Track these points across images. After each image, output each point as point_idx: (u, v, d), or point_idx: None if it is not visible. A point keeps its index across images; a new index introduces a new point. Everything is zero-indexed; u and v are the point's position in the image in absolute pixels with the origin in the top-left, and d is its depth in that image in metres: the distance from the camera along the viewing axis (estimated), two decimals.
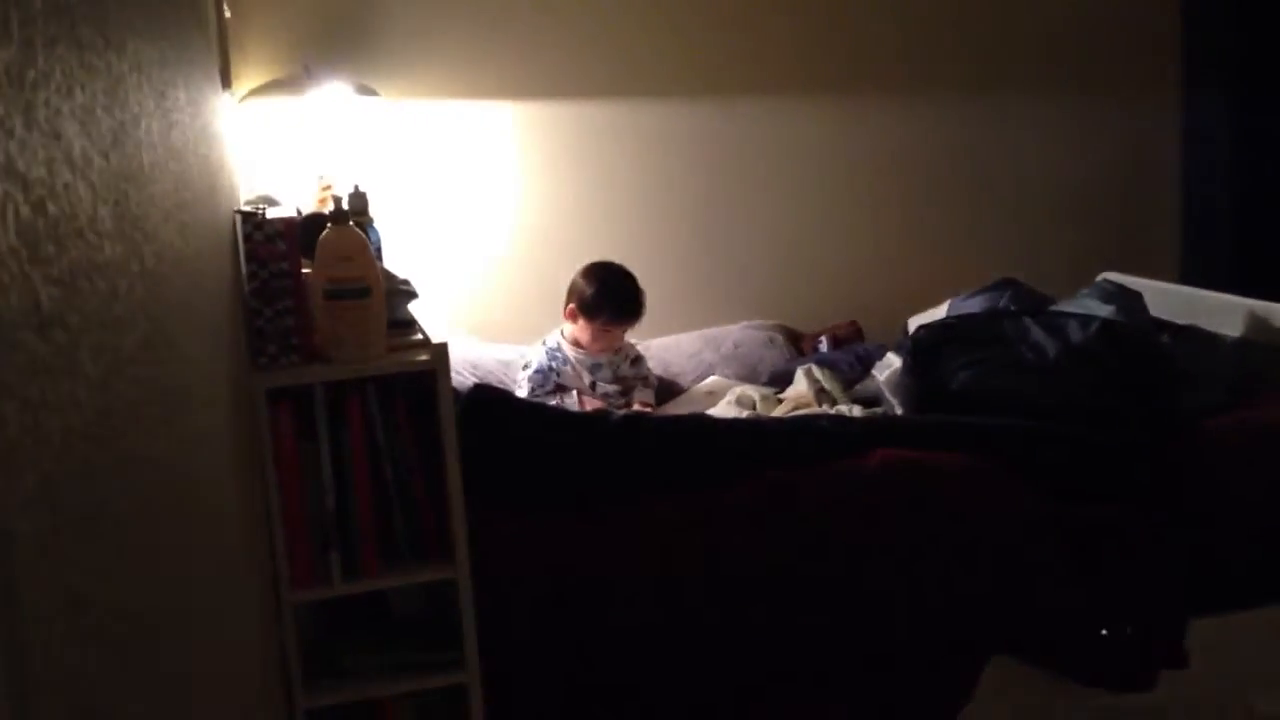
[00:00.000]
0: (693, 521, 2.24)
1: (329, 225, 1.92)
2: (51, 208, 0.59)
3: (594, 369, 2.95)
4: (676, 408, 2.93)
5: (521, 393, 2.88)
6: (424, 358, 1.93)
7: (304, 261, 1.97)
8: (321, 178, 2.81)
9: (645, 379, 3.05)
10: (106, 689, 0.65)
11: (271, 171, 2.93)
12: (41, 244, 0.57)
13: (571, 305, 2.92)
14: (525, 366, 2.95)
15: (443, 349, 1.92)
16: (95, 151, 0.71)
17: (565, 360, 2.93)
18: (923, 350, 2.56)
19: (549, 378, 2.91)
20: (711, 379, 3.11)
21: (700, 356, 3.23)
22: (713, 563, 2.25)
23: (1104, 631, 2.26)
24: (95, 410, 0.68)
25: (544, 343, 2.98)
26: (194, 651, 0.98)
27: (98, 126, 0.73)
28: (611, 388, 2.96)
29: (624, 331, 2.96)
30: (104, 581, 0.67)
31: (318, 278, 1.91)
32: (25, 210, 0.54)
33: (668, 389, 3.11)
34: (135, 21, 0.98)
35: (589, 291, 2.88)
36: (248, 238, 1.86)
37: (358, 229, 1.96)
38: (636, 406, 2.89)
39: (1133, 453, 2.33)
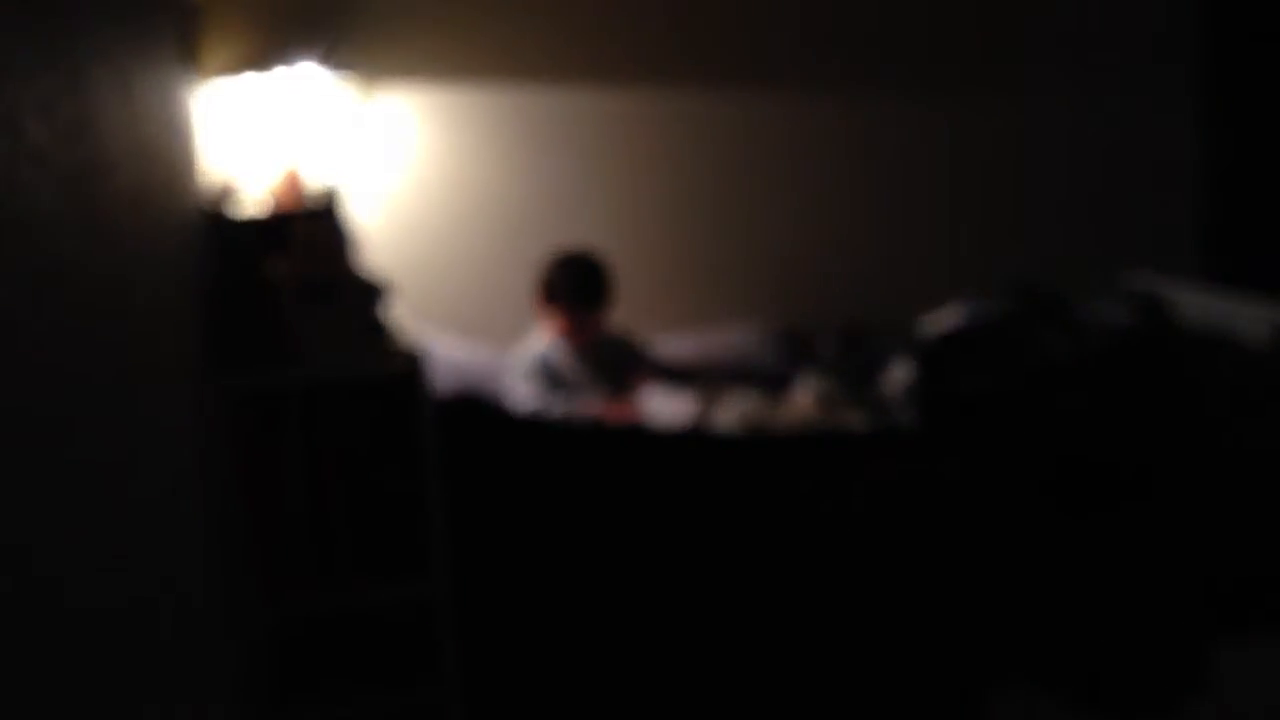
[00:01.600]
0: (688, 534, 2.25)
1: (301, 221, 1.91)
2: (11, 204, 0.59)
3: (582, 363, 2.97)
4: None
5: (521, 392, 2.87)
6: (399, 361, 1.93)
7: (274, 258, 1.96)
8: (286, 161, 2.81)
9: (639, 358, 3.07)
10: (67, 701, 0.65)
11: (240, 156, 2.92)
12: (3, 243, 0.57)
13: (539, 295, 2.96)
14: (518, 368, 2.94)
15: (420, 352, 1.92)
16: (57, 145, 0.71)
17: (556, 357, 2.96)
18: (935, 356, 2.57)
19: (547, 373, 2.93)
20: (714, 384, 3.11)
21: (699, 359, 3.23)
22: (707, 576, 2.25)
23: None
24: (54, 416, 0.68)
25: (534, 342, 2.99)
26: (158, 665, 0.98)
27: (59, 118, 0.73)
28: (603, 382, 2.97)
29: (594, 318, 2.97)
30: (64, 586, 0.67)
31: (288, 276, 1.91)
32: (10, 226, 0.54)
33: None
34: (100, 3, 0.98)
35: (550, 276, 2.95)
36: (215, 233, 1.86)
37: (330, 225, 1.96)
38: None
39: (1152, 464, 2.34)
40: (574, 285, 2.94)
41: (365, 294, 2.03)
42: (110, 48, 1.03)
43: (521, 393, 2.90)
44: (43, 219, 0.68)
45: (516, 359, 2.98)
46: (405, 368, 1.92)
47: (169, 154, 1.56)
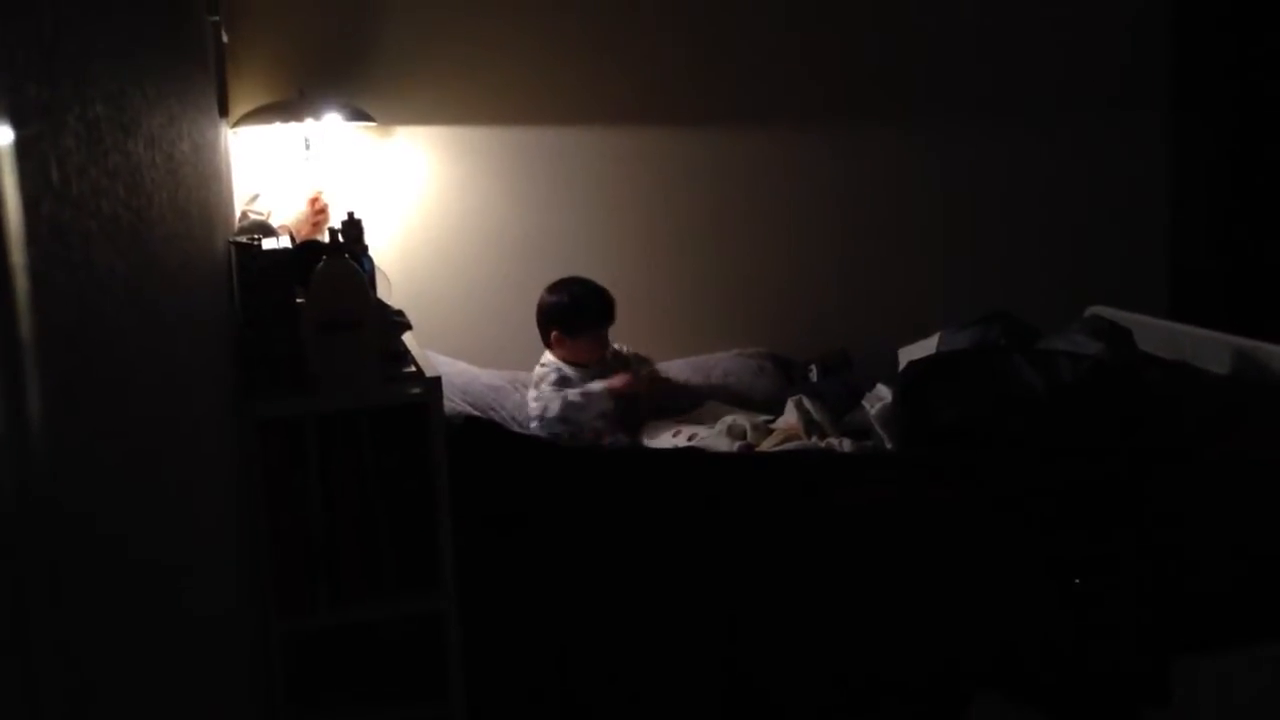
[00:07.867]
0: (682, 553, 2.28)
1: (324, 258, 1.95)
2: (83, 274, 0.63)
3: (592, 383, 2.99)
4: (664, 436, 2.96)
5: (553, 409, 2.85)
6: (416, 391, 1.96)
7: (298, 291, 2.00)
8: (314, 192, 2.85)
9: (629, 363, 3.10)
10: (95, 702, 0.68)
11: (265, 195, 2.96)
12: (71, 309, 0.61)
13: (555, 332, 2.95)
14: (537, 385, 2.93)
15: (435, 383, 1.94)
16: (121, 207, 0.75)
17: (568, 378, 2.97)
18: (913, 384, 2.60)
19: (561, 377, 2.93)
20: (706, 404, 3.14)
21: (691, 384, 3.26)
22: (699, 593, 2.28)
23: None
24: (100, 454, 0.71)
25: (542, 364, 3.00)
26: (182, 679, 1.01)
27: (118, 177, 0.77)
28: (609, 404, 2.99)
29: (589, 340, 2.99)
30: (97, 616, 0.70)
31: (311, 310, 1.94)
32: (62, 278, 0.58)
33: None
34: (150, 64, 1.02)
35: (566, 310, 2.94)
36: (243, 269, 1.89)
37: (352, 260, 1.99)
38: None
39: (1118, 489, 2.37)
40: (588, 310, 2.95)
41: (383, 326, 2.07)
42: (155, 96, 1.06)
43: (535, 397, 2.90)
44: (101, 276, 0.71)
45: (535, 373, 2.99)
46: (419, 396, 1.95)
47: (202, 191, 1.59)
